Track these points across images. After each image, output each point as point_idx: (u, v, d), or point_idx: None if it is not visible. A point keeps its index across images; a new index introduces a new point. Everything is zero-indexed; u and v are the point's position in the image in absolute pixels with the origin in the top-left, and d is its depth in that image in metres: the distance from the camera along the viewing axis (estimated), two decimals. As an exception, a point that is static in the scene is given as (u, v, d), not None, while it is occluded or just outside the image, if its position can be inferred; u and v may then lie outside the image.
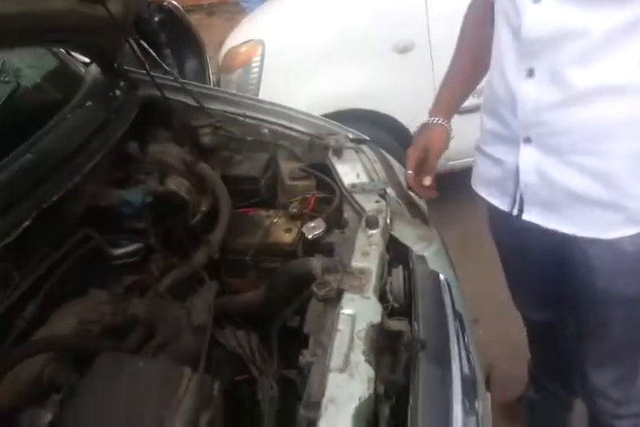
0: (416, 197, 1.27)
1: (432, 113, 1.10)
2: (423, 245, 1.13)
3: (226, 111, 1.37)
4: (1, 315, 0.77)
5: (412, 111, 2.23)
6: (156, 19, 3.16)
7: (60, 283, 0.89)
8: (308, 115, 1.44)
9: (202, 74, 3.44)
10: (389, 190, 1.24)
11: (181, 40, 3.27)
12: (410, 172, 1.07)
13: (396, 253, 1.12)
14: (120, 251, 1.07)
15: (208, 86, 1.41)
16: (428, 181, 1.08)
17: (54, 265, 0.89)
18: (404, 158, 1.13)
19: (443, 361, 0.79)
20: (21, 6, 0.90)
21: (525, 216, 0.96)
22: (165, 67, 1.30)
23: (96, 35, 1.13)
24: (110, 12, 1.07)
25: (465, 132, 2.38)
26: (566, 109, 0.83)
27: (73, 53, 1.36)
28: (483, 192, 1.07)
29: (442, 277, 1.06)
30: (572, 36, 0.78)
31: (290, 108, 1.43)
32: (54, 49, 1.29)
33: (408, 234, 1.15)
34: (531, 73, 0.84)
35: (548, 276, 1.11)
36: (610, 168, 0.84)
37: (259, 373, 1.00)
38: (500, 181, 1.00)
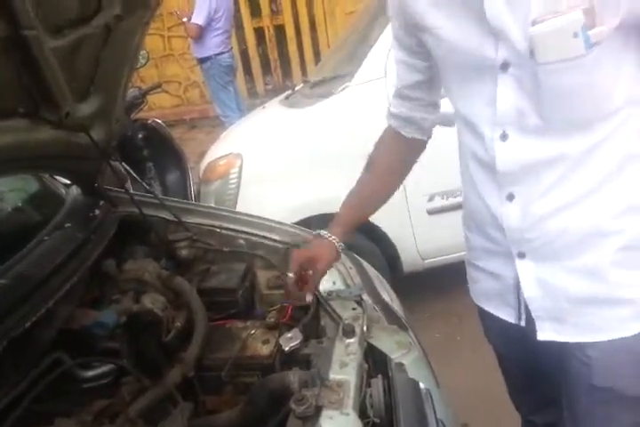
0: (391, 302, 1.29)
1: (330, 227, 1.12)
2: (402, 353, 1.13)
3: (203, 224, 1.42)
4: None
5: (387, 214, 2.33)
6: (140, 135, 3.37)
7: (27, 411, 0.85)
8: (282, 224, 1.50)
9: (183, 185, 3.59)
10: (365, 297, 1.26)
11: (163, 154, 3.46)
12: (291, 275, 1.07)
13: (375, 361, 1.10)
14: (91, 373, 1.04)
15: (185, 201, 1.47)
16: (308, 297, 1.09)
17: (23, 393, 0.86)
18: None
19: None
20: (10, 138, 0.97)
21: (540, 336, 0.93)
22: (145, 185, 1.36)
23: (79, 160, 1.20)
24: (93, 139, 1.15)
25: (439, 232, 2.46)
26: (554, 219, 0.84)
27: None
28: (484, 304, 1.05)
29: (422, 385, 1.05)
30: (551, 163, 0.81)
31: (265, 219, 1.49)
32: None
33: (386, 341, 1.14)
34: (511, 197, 0.86)
35: (552, 378, 1.07)
36: (606, 263, 0.85)
37: None
38: (500, 294, 0.99)
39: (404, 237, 2.46)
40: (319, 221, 2.19)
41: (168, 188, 3.51)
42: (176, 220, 1.38)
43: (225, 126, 4.82)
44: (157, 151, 3.43)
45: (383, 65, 2.23)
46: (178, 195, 3.47)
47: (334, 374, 0.98)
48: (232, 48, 5.01)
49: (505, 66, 0.78)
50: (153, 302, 1.11)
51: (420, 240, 2.46)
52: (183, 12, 4.91)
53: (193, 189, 3.30)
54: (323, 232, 1.11)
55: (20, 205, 1.27)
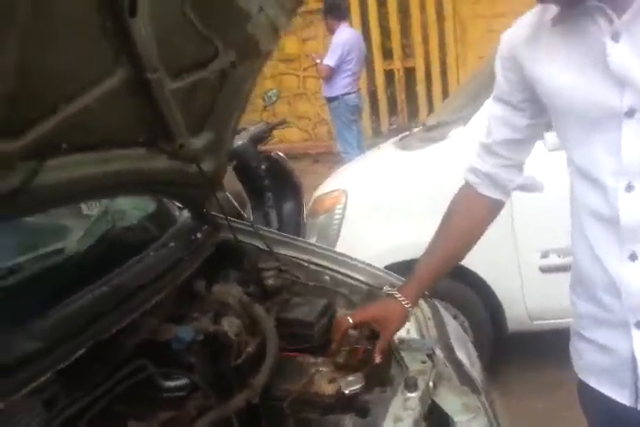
0: (469, 364, 1.23)
1: (403, 286, 1.09)
2: (468, 417, 1.07)
3: (292, 256, 1.48)
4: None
5: (489, 263, 2.24)
6: (263, 166, 3.62)
7: (105, 411, 0.95)
8: (369, 265, 1.51)
9: (297, 215, 3.77)
10: (438, 352, 1.21)
11: (282, 185, 3.68)
12: (350, 321, 1.07)
13: (437, 421, 1.06)
14: (171, 383, 1.12)
15: (279, 233, 1.55)
16: (377, 359, 1.06)
17: (104, 393, 0.96)
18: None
19: None
20: (130, 164, 1.12)
21: None
22: (244, 216, 1.46)
23: (189, 188, 1.33)
24: (202, 170, 1.28)
25: (552, 292, 2.31)
26: None
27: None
28: (591, 382, 0.95)
29: (483, 453, 0.98)
30: None
31: (352, 258, 1.52)
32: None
33: (452, 402, 1.09)
34: (634, 257, 0.80)
35: None
36: None
37: None
38: (612, 371, 0.89)
39: (511, 293, 2.33)
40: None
41: (283, 217, 3.72)
42: (268, 249, 1.45)
43: (344, 163, 4.99)
44: (277, 182, 3.66)
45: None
46: (291, 224, 3.67)
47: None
48: (360, 89, 5.21)
49: (631, 113, 0.75)
50: (230, 325, 1.17)
51: (529, 299, 2.31)
52: (317, 54, 5.23)
53: (305, 220, 3.44)
54: (395, 293, 1.08)
55: (137, 222, 1.43)
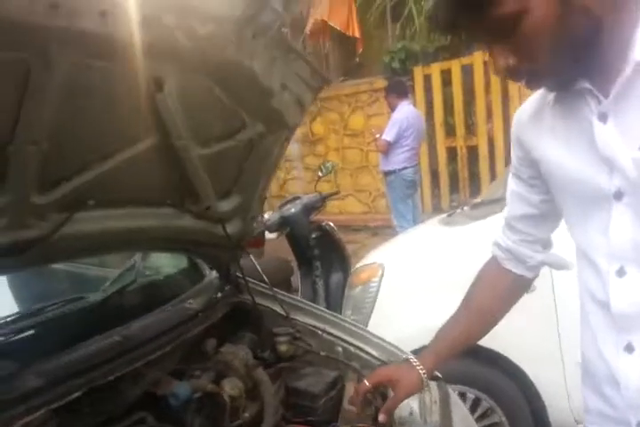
0: None
1: (421, 355, 1.07)
2: None
3: (308, 324, 1.48)
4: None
5: (536, 363, 2.11)
6: (314, 235, 3.69)
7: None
8: (383, 340, 1.47)
9: (344, 286, 3.76)
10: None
11: (332, 255, 3.71)
12: (366, 383, 1.04)
13: None
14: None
15: (298, 299, 1.56)
16: (381, 418, 1.03)
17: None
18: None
19: None
20: (158, 222, 1.20)
21: None
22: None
23: (214, 248, 1.40)
24: (227, 232, 1.34)
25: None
26: None
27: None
28: None
29: None
30: None
31: (368, 331, 1.50)
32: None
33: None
34: (630, 348, 0.76)
35: None
36: None
37: None
38: None
39: (554, 391, 2.14)
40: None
41: (330, 286, 3.72)
42: (285, 315, 1.47)
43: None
44: (326, 252, 3.70)
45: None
46: (337, 294, 3.65)
47: None
48: (417, 164, 5.30)
49: (619, 195, 0.74)
50: (232, 387, 1.18)
51: (574, 399, 2.12)
52: (378, 129, 5.42)
53: (349, 291, 3.42)
54: (413, 359, 1.06)
55: (163, 278, 1.50)
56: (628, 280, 0.74)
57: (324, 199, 3.99)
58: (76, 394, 0.93)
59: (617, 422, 0.80)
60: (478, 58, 6.08)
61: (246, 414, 1.16)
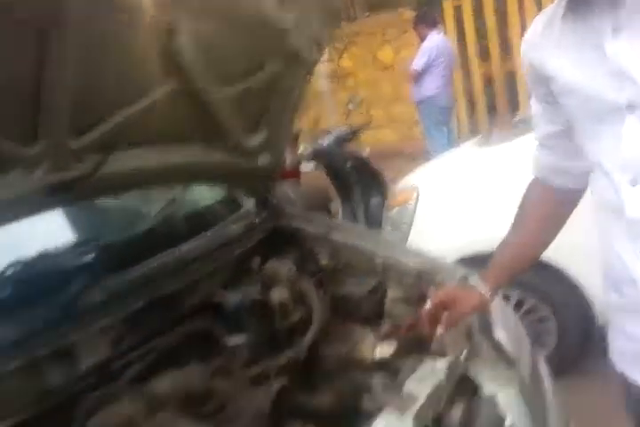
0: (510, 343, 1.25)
1: (481, 275, 1.11)
2: (497, 385, 1.11)
3: (346, 242, 1.59)
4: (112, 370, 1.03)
5: (585, 264, 2.14)
6: (349, 164, 3.85)
7: (166, 356, 1.13)
8: (420, 251, 1.57)
9: (382, 209, 3.92)
10: (475, 324, 1.25)
11: (369, 181, 3.87)
12: (427, 306, 1.09)
13: (466, 387, 1.11)
14: (224, 341, 1.28)
15: (333, 219, 1.66)
16: (439, 330, 1.08)
17: (166, 341, 1.15)
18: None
19: None
20: (186, 159, 1.28)
21: None
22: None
23: (247, 180, 1.50)
24: (256, 165, 1.42)
25: None
26: None
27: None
28: (626, 371, 0.94)
29: (508, 423, 1.02)
30: None
31: (405, 245, 1.59)
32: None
33: (484, 370, 1.13)
34: None
35: None
36: None
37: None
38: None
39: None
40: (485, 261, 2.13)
41: (369, 211, 3.89)
42: (322, 235, 1.57)
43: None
44: (363, 179, 3.86)
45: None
46: (377, 218, 3.81)
47: (410, 386, 1.03)
48: (450, 91, 5.19)
49: (631, 108, 0.75)
50: (279, 295, 1.32)
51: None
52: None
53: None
54: (472, 278, 1.12)
55: (205, 206, 1.63)
56: None
57: (354, 132, 4.09)
58: (144, 302, 1.08)
59: (634, 314, 0.87)
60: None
61: (295, 319, 1.30)
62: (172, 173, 1.27)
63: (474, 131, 6.78)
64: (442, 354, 1.15)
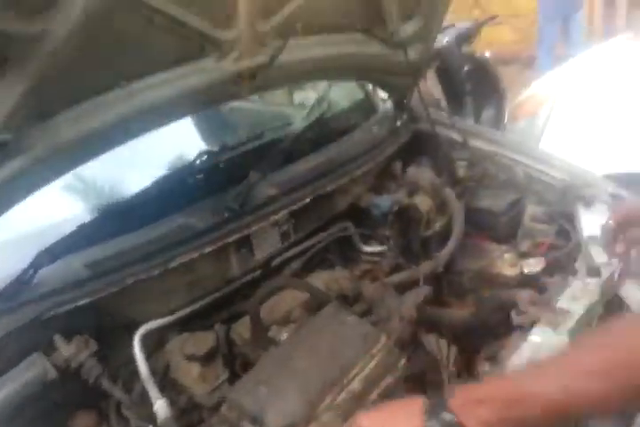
0: None
1: None
2: (647, 307, 1.08)
3: (485, 149, 1.52)
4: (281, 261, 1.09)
5: None
6: (465, 69, 3.47)
7: (318, 253, 1.19)
8: (569, 163, 1.46)
9: (497, 123, 3.61)
10: (633, 251, 1.19)
11: (485, 90, 3.51)
12: (611, 222, 1.01)
13: (615, 307, 1.09)
14: (368, 248, 1.33)
15: (476, 126, 1.58)
16: (618, 249, 1.01)
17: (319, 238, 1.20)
18: None
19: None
20: (348, 49, 1.24)
21: None
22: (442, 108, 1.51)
23: (395, 75, 1.43)
24: (408, 58, 1.34)
25: None
26: None
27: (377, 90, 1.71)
28: None
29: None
30: None
31: (550, 154, 1.49)
32: (364, 85, 1.66)
33: (636, 296, 1.10)
34: None
35: None
36: None
37: (448, 379, 1.11)
38: None
39: None
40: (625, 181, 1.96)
41: (481, 124, 3.59)
42: (462, 141, 1.50)
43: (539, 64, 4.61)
44: (479, 87, 3.48)
45: None
46: (491, 131, 3.56)
47: (562, 304, 1.02)
48: None
49: None
50: (422, 202, 1.31)
51: None
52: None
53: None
54: None
55: (346, 108, 1.59)
56: None
57: (478, 27, 3.63)
58: (307, 200, 1.12)
59: None
60: None
61: (437, 225, 1.30)
62: (332, 66, 1.23)
63: (610, 29, 5.98)
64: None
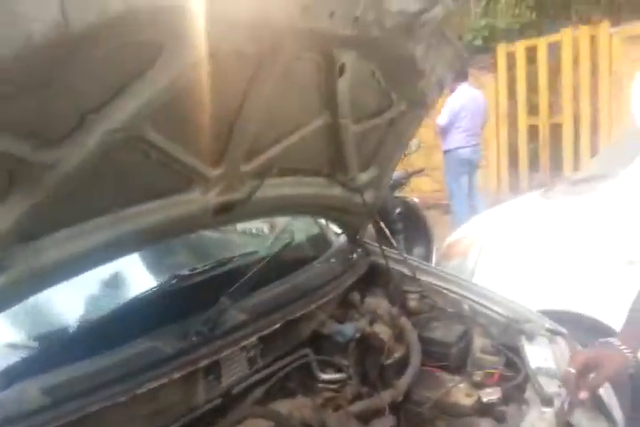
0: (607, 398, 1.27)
1: (619, 335, 1.10)
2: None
3: (434, 284, 1.64)
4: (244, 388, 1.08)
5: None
6: (398, 210, 3.83)
7: (281, 380, 1.18)
8: (509, 300, 1.60)
9: (427, 260, 3.87)
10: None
11: (414, 230, 3.83)
12: (571, 370, 1.06)
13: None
14: (326, 376, 1.33)
15: (423, 262, 1.72)
16: (582, 395, 1.05)
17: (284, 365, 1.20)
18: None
19: None
20: (312, 190, 1.38)
21: None
22: (394, 243, 1.67)
23: (350, 215, 1.58)
24: (365, 200, 1.51)
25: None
26: None
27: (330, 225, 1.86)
28: None
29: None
30: None
31: (492, 291, 1.63)
32: (318, 220, 1.80)
33: (584, 422, 1.15)
34: None
35: None
36: None
37: None
38: None
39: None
40: (553, 318, 2.14)
41: (411, 260, 3.84)
42: (412, 275, 1.63)
43: (453, 213, 5.39)
44: (409, 227, 3.81)
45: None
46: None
47: (525, 428, 1.06)
48: (477, 144, 5.34)
49: None
50: (381, 330, 1.36)
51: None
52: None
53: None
54: (612, 339, 1.09)
55: (305, 240, 1.71)
56: None
57: (409, 176, 4.10)
58: (276, 326, 1.14)
59: None
60: (567, 34, 5.90)
61: (396, 355, 1.34)
62: (299, 204, 1.36)
63: (514, 186, 6.86)
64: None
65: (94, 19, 0.66)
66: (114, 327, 1.08)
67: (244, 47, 0.88)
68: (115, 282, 1.29)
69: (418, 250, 3.92)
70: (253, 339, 1.11)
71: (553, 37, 6.03)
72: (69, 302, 1.21)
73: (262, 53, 0.91)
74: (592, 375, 1.04)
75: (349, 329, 1.28)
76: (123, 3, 0.68)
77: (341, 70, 1.09)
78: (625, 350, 1.05)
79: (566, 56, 6.00)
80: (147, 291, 1.21)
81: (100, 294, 1.24)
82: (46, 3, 0.61)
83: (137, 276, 1.32)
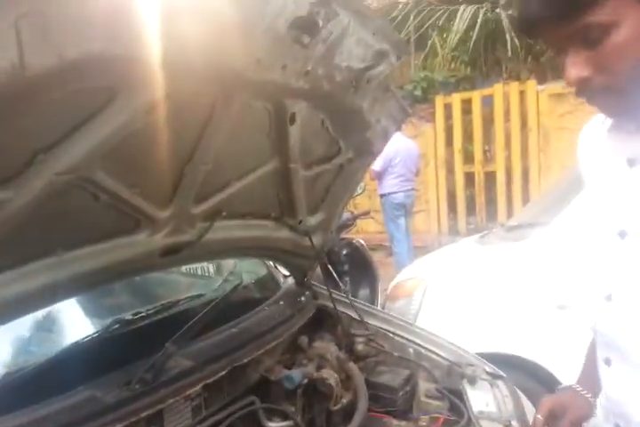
0: None
1: (579, 381, 1.10)
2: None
3: (380, 327, 1.66)
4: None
5: (564, 363, 2.24)
6: (344, 252, 3.87)
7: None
8: (452, 343, 1.64)
9: (372, 301, 3.90)
10: (514, 423, 1.31)
11: (360, 271, 3.88)
12: (539, 417, 1.05)
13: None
14: (272, 424, 1.29)
15: (371, 305, 1.74)
16: None
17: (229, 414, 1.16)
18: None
19: None
20: (260, 232, 1.39)
21: None
22: (342, 286, 1.68)
23: (299, 257, 1.60)
24: (313, 243, 1.54)
25: None
26: None
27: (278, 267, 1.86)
28: None
29: None
30: None
31: (437, 335, 1.66)
32: (266, 262, 1.80)
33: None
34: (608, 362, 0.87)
35: None
36: None
37: None
38: None
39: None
40: (492, 360, 2.20)
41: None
42: (359, 319, 1.64)
43: (395, 254, 5.67)
44: (355, 268, 3.85)
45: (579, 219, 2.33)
46: (365, 309, 3.82)
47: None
48: (410, 189, 5.67)
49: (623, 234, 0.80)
50: (329, 376, 1.35)
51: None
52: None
53: (378, 306, 3.56)
54: (574, 385, 1.08)
55: (253, 282, 1.69)
56: (613, 305, 0.84)
57: (355, 218, 4.18)
58: (223, 373, 1.11)
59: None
60: (499, 89, 6.36)
61: (344, 401, 1.33)
62: (247, 246, 1.36)
63: (453, 229, 7.13)
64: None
65: (51, 63, 0.67)
66: (50, 375, 1.01)
67: (197, 94, 0.90)
68: (52, 326, 1.22)
69: (363, 291, 3.94)
70: (198, 387, 1.08)
71: (486, 91, 6.49)
72: (2, 348, 1.14)
73: (215, 100, 0.93)
74: (559, 422, 1.04)
75: (297, 375, 1.26)
76: (79, 49, 0.69)
77: (292, 119, 1.14)
78: (586, 395, 1.05)
79: (498, 109, 6.45)
80: (87, 336, 1.16)
81: (36, 340, 1.17)
82: (5, 46, 0.62)
83: (76, 320, 1.26)
